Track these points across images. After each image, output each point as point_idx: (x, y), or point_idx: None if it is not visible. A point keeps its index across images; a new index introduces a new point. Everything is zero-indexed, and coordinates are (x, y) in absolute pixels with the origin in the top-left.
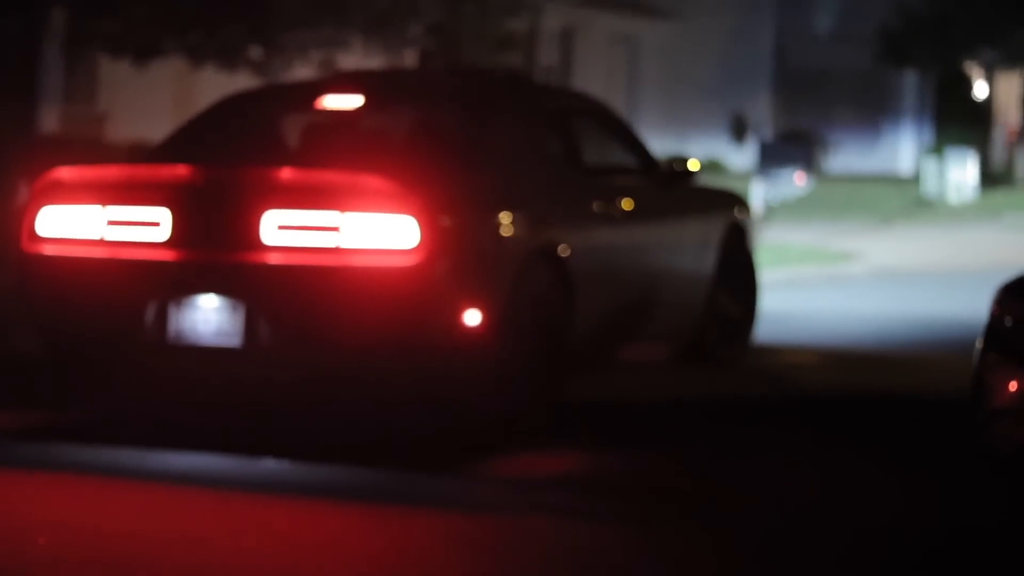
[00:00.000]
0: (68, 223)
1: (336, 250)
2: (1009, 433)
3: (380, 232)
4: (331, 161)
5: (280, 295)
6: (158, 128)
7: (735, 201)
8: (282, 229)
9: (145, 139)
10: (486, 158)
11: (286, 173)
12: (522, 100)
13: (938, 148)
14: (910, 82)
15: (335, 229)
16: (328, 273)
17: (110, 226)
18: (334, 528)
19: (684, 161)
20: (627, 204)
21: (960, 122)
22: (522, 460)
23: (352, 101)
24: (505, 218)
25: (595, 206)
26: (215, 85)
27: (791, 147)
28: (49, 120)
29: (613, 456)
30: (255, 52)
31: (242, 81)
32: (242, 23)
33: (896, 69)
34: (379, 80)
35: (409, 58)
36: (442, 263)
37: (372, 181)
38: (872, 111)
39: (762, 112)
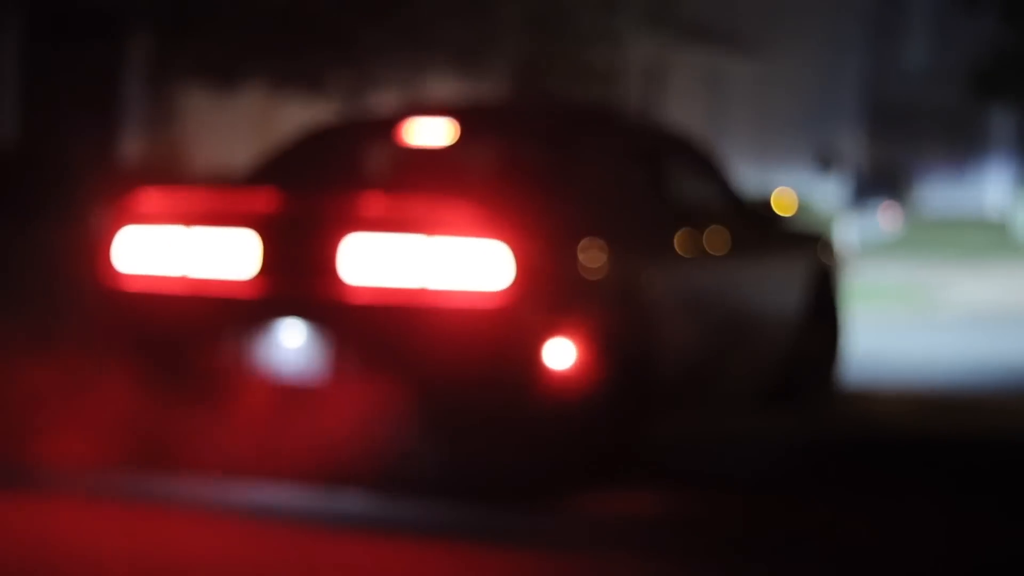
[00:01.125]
0: (151, 248)
1: (423, 281)
2: None
3: (468, 264)
4: (420, 191)
5: (365, 326)
6: (238, 155)
7: (822, 241)
8: (368, 258)
9: (225, 166)
10: (575, 192)
11: (372, 202)
12: (612, 134)
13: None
14: (1000, 119)
15: (423, 259)
16: (414, 304)
17: (190, 254)
18: (413, 563)
19: (779, 199)
20: (715, 242)
21: None
22: (606, 498)
23: (442, 132)
24: (592, 252)
25: (683, 243)
26: (296, 113)
27: (880, 184)
28: (131, 147)
29: (696, 495)
30: (338, 79)
31: (323, 109)
32: (326, 52)
33: (986, 105)
34: (469, 111)
35: (495, 88)
36: (530, 296)
37: (461, 211)
38: (961, 148)
39: (850, 148)
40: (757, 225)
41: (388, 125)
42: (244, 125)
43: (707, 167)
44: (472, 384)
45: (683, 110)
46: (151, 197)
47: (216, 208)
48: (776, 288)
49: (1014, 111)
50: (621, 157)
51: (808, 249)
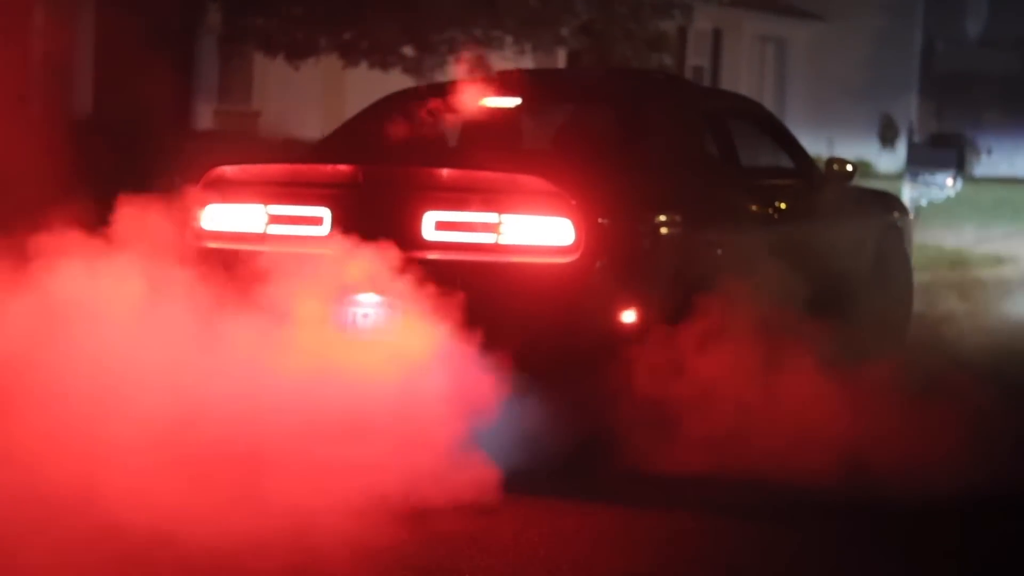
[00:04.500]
0: (230, 220)
1: (494, 249)
2: None
3: (537, 232)
4: (490, 161)
5: (438, 294)
6: (310, 126)
7: (892, 203)
8: (440, 228)
9: (296, 137)
10: (643, 159)
11: (446, 173)
12: (679, 101)
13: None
14: None
15: (494, 229)
16: (486, 272)
17: (271, 223)
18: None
19: (843, 163)
20: (783, 204)
21: None
22: (671, 457)
23: (512, 100)
24: (660, 218)
25: (751, 206)
26: (366, 84)
27: (941, 150)
28: (204, 117)
29: (765, 453)
30: (407, 51)
31: (394, 80)
32: (395, 22)
33: None
34: (538, 80)
35: (560, 58)
36: (597, 262)
37: (530, 182)
38: (1021, 115)
39: (910, 115)
40: (827, 188)
41: (462, 93)
42: (314, 96)
43: (776, 131)
44: (541, 343)
45: (743, 77)
46: (230, 173)
47: (292, 182)
48: (847, 249)
49: None
50: (689, 121)
51: (879, 211)
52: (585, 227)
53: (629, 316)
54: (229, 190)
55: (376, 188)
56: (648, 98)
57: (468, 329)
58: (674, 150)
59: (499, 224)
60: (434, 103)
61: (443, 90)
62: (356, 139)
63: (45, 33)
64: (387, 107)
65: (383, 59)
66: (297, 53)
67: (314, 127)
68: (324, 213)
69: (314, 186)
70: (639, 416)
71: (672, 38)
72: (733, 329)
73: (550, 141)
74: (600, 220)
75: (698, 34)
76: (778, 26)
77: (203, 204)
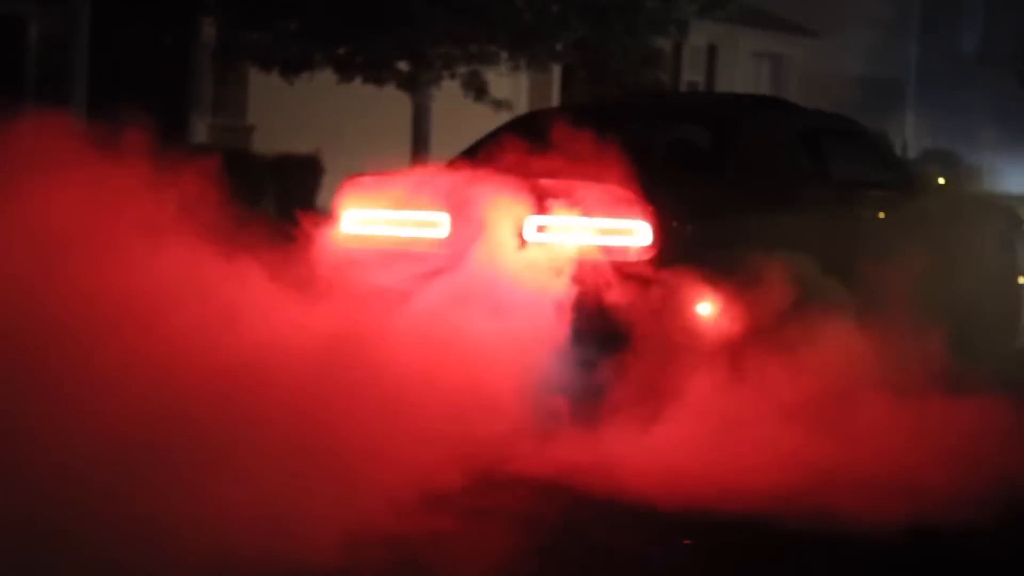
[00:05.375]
0: (365, 224)
1: (583, 249)
2: None
3: (620, 233)
4: (589, 173)
5: (539, 286)
6: (304, 141)
7: (1002, 211)
8: (540, 231)
9: (291, 151)
10: (725, 172)
11: (545, 183)
12: (770, 121)
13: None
14: None
15: (584, 231)
16: (576, 269)
17: (399, 227)
18: None
19: (936, 174)
20: (879, 212)
21: None
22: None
23: (621, 120)
24: (733, 224)
25: (838, 214)
26: (361, 98)
27: (934, 167)
28: (199, 131)
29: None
30: (402, 66)
31: (388, 95)
32: (389, 37)
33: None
34: (645, 102)
35: (555, 73)
36: (671, 259)
37: (614, 191)
38: (1016, 134)
39: (904, 131)
40: (928, 198)
41: (577, 114)
42: (309, 109)
43: (874, 146)
44: (620, 333)
45: (738, 92)
46: (364, 183)
47: (416, 190)
48: (954, 254)
49: None
50: (783, 140)
51: (988, 218)
52: (659, 229)
53: (704, 309)
54: (363, 197)
55: (484, 194)
56: (739, 119)
57: (564, 312)
58: (757, 164)
59: (588, 226)
60: (553, 123)
61: (562, 112)
62: (478, 154)
63: (39, 48)
64: (512, 127)
65: (377, 74)
66: (292, 68)
67: (308, 142)
68: (443, 218)
69: (435, 193)
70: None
71: (667, 54)
72: (819, 331)
73: (651, 157)
74: (673, 223)
75: (693, 50)
76: (773, 42)
77: (343, 210)
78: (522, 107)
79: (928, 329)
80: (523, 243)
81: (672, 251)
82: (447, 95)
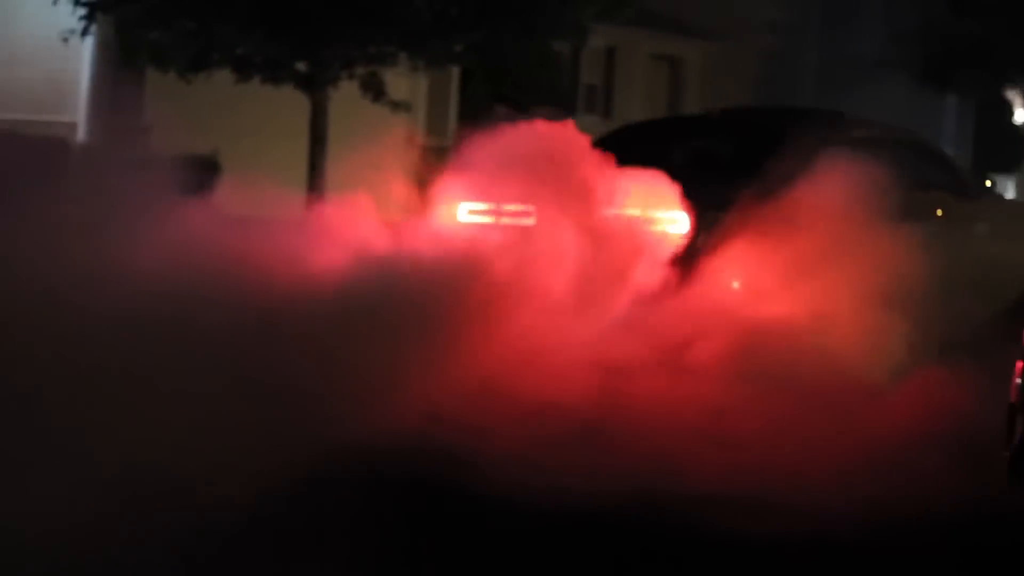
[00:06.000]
0: (468, 214)
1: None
2: None
3: (668, 220)
4: (655, 174)
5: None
6: (202, 141)
7: None
8: (610, 216)
9: (189, 152)
10: (768, 175)
11: (615, 179)
12: (822, 132)
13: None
14: (951, 108)
15: (646, 220)
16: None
17: (498, 216)
18: None
19: (987, 178)
20: (937, 211)
21: (999, 148)
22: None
23: (697, 132)
24: (765, 217)
25: (886, 212)
26: (260, 99)
27: None
28: (95, 130)
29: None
30: (300, 66)
31: (286, 95)
32: (287, 37)
33: (937, 94)
34: (716, 117)
35: (454, 75)
36: (705, 243)
37: (664, 188)
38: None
39: None
40: (984, 202)
41: (664, 127)
42: (208, 111)
43: (933, 155)
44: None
45: (636, 96)
46: (462, 179)
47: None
48: (1002, 253)
49: (964, 100)
50: (830, 148)
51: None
52: (692, 219)
53: (735, 285)
54: (467, 197)
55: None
56: (790, 130)
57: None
58: (801, 169)
59: (647, 215)
60: (641, 131)
61: (653, 124)
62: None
63: None
64: (612, 135)
65: (275, 74)
66: (190, 68)
67: (206, 142)
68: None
69: (526, 187)
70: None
71: (566, 57)
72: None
73: (712, 161)
74: (709, 215)
75: (592, 52)
76: (672, 45)
77: (450, 203)
78: (420, 108)
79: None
80: (600, 223)
81: (699, 233)
82: (345, 96)
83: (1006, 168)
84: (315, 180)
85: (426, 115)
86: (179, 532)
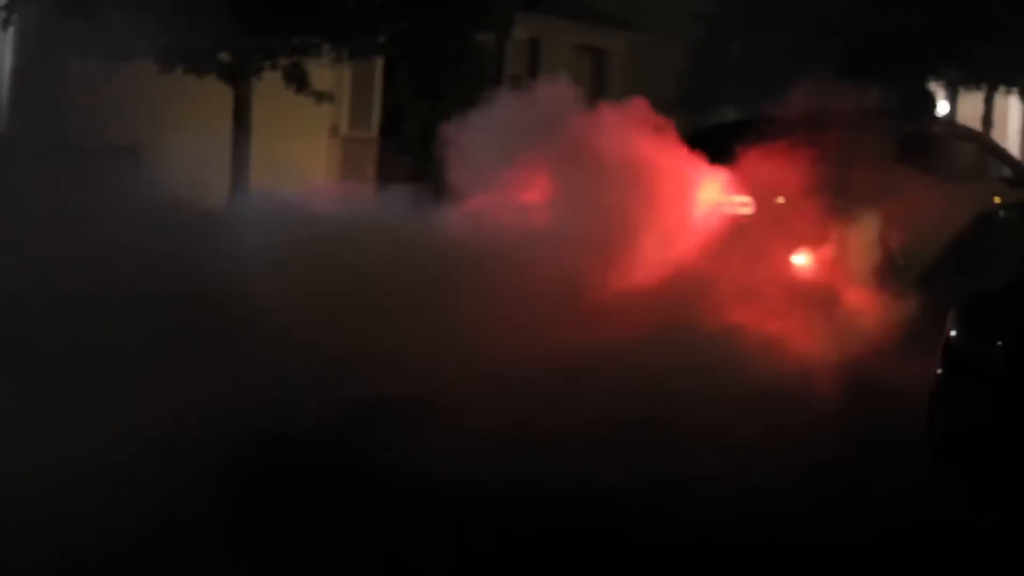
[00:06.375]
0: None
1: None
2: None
3: (741, 204)
4: (739, 165)
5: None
6: (125, 132)
7: None
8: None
9: (111, 143)
10: (828, 164)
11: (717, 172)
12: (873, 128)
13: None
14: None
15: (735, 204)
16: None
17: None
18: None
19: None
20: (995, 198)
21: None
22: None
23: (783, 127)
24: (820, 200)
25: (924, 203)
26: (183, 90)
27: None
28: (15, 121)
29: None
30: (224, 57)
31: (212, 86)
32: (211, 28)
33: (859, 86)
34: (798, 114)
35: (378, 66)
36: (771, 223)
37: (735, 176)
38: None
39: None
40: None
41: (760, 123)
42: (131, 101)
43: (990, 148)
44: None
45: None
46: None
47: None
48: None
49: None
50: (883, 143)
51: None
52: (759, 203)
53: (799, 259)
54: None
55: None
56: (848, 128)
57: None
58: (855, 160)
59: (733, 200)
60: (748, 128)
61: (754, 120)
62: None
63: None
64: (704, 132)
65: (199, 65)
66: (112, 58)
67: (128, 133)
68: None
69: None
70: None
71: (490, 47)
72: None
73: (784, 154)
74: (773, 200)
75: (516, 43)
76: (595, 36)
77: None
78: (344, 99)
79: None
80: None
81: (771, 216)
82: (269, 86)
83: None
84: (239, 170)
85: (350, 106)
86: None
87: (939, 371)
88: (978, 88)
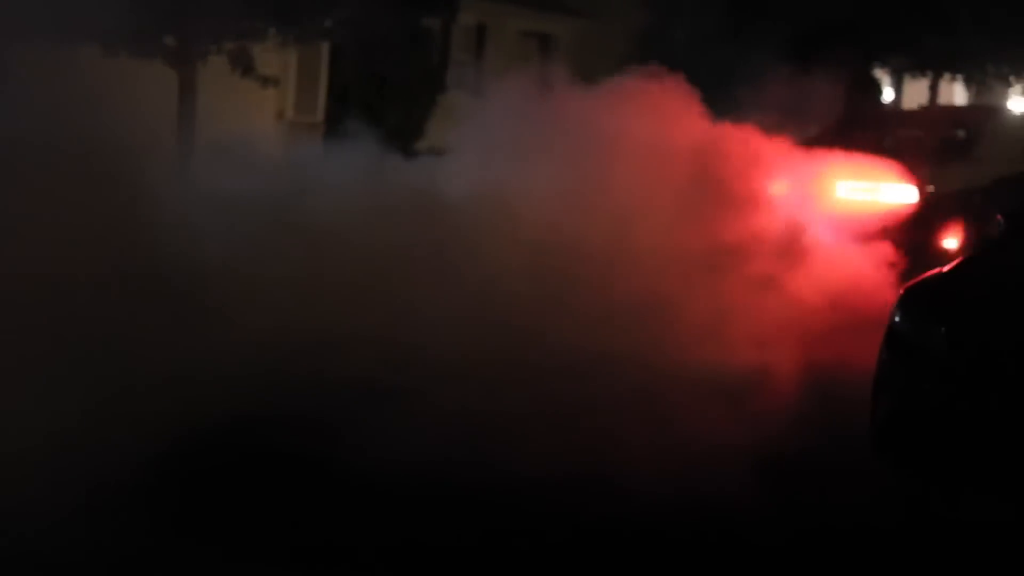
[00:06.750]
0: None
1: (876, 200)
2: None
3: (901, 193)
4: (883, 155)
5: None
6: (74, 116)
7: None
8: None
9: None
10: (958, 157)
11: (852, 160)
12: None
13: None
14: (819, 85)
15: (877, 191)
16: (871, 212)
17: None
18: None
19: None
20: None
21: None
22: None
23: (908, 122)
24: (967, 190)
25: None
26: (127, 74)
27: None
28: None
29: None
30: (169, 41)
31: (156, 70)
32: (155, 11)
33: (805, 72)
34: (922, 111)
35: (323, 51)
36: (927, 209)
37: (895, 168)
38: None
39: None
40: None
41: (885, 116)
42: (79, 87)
43: None
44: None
45: (507, 72)
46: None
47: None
48: None
49: (832, 78)
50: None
51: None
52: (920, 190)
53: (950, 242)
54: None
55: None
56: (972, 123)
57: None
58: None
59: (879, 188)
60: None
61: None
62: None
63: None
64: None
65: (143, 48)
66: (61, 44)
67: (80, 118)
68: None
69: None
70: None
71: (437, 33)
72: None
73: (923, 147)
74: (927, 188)
75: (463, 29)
76: (542, 22)
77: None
78: (291, 83)
79: None
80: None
81: (928, 203)
82: (214, 71)
83: None
84: (184, 155)
85: (295, 90)
86: None
87: (882, 357)
88: (923, 75)
